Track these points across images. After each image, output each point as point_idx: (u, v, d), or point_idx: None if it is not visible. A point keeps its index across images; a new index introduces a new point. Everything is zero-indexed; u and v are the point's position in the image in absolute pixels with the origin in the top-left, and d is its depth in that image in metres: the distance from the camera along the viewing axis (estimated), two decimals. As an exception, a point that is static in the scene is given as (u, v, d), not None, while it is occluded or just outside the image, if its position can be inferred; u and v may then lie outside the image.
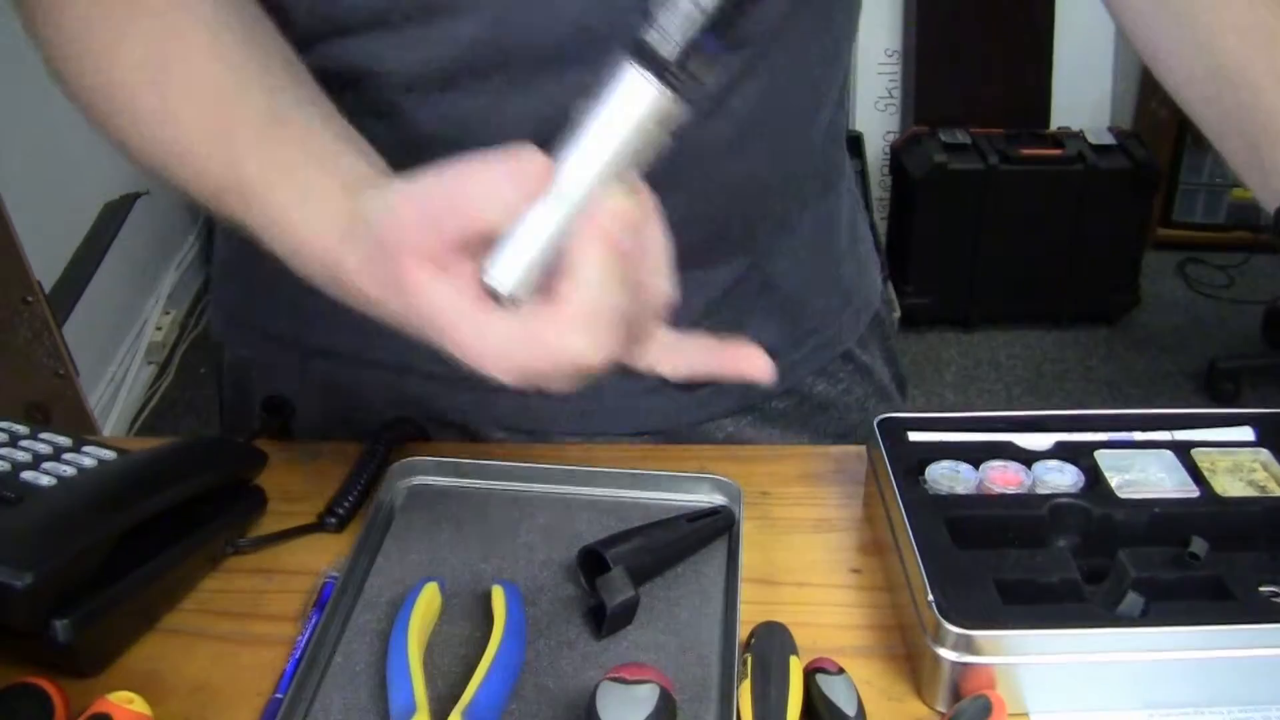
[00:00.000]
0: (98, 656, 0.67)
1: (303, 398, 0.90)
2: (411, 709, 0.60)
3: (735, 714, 0.61)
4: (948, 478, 0.75)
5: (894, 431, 0.78)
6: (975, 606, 0.64)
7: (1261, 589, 0.66)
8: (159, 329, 2.90)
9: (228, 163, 0.63)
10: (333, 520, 0.77)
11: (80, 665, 0.67)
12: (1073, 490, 0.74)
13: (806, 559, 0.75)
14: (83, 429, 1.16)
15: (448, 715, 0.60)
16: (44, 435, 0.75)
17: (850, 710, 0.61)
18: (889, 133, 3.31)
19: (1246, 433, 0.78)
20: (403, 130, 0.73)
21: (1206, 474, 0.74)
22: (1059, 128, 3.16)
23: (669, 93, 0.50)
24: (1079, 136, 3.06)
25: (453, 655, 0.67)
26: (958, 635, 0.62)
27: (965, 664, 0.63)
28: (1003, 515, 0.72)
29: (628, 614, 0.68)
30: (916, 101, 3.18)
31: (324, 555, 0.75)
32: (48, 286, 1.55)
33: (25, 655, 0.66)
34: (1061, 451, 0.77)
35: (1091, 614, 0.64)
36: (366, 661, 0.66)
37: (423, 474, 0.80)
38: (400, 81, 0.72)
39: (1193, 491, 0.73)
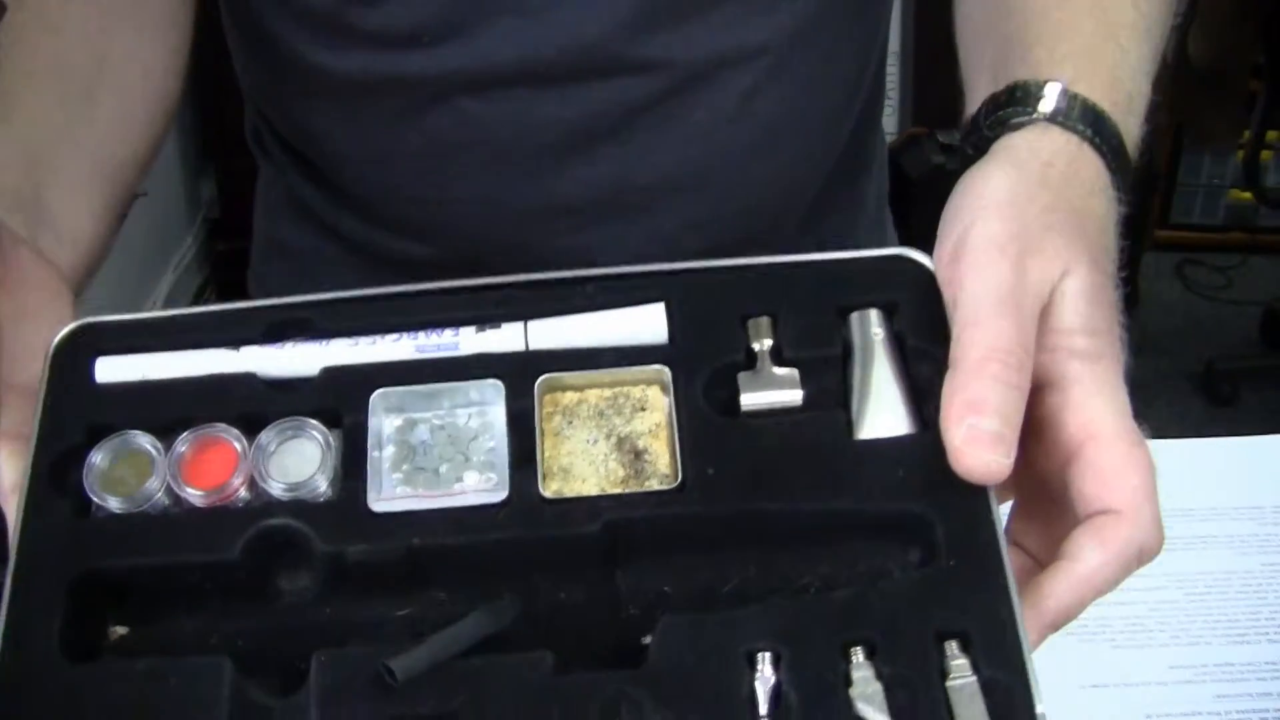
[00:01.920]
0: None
1: None
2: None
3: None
4: (114, 476, 0.49)
5: (74, 364, 0.51)
6: None
7: None
8: (157, 329, 2.90)
9: None
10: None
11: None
12: (306, 491, 0.48)
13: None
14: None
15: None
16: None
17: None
18: (886, 134, 3.30)
19: (654, 319, 0.51)
20: (429, 135, 0.74)
21: (550, 433, 0.49)
22: (1057, 129, 3.16)
23: None
24: (1077, 137, 3.06)
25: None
26: None
27: None
28: (170, 565, 0.47)
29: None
30: (914, 103, 3.18)
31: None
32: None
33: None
34: (328, 389, 0.50)
35: None
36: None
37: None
38: (429, 90, 0.72)
39: (498, 487, 0.47)
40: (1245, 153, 2.64)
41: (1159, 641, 0.71)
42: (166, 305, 3.00)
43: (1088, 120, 0.51)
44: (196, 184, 3.15)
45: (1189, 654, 0.70)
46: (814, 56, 0.75)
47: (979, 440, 0.44)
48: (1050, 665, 0.65)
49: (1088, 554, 0.45)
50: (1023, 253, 0.47)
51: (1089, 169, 0.51)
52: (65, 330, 0.52)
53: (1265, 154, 2.64)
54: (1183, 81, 2.49)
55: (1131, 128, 0.53)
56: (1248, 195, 2.86)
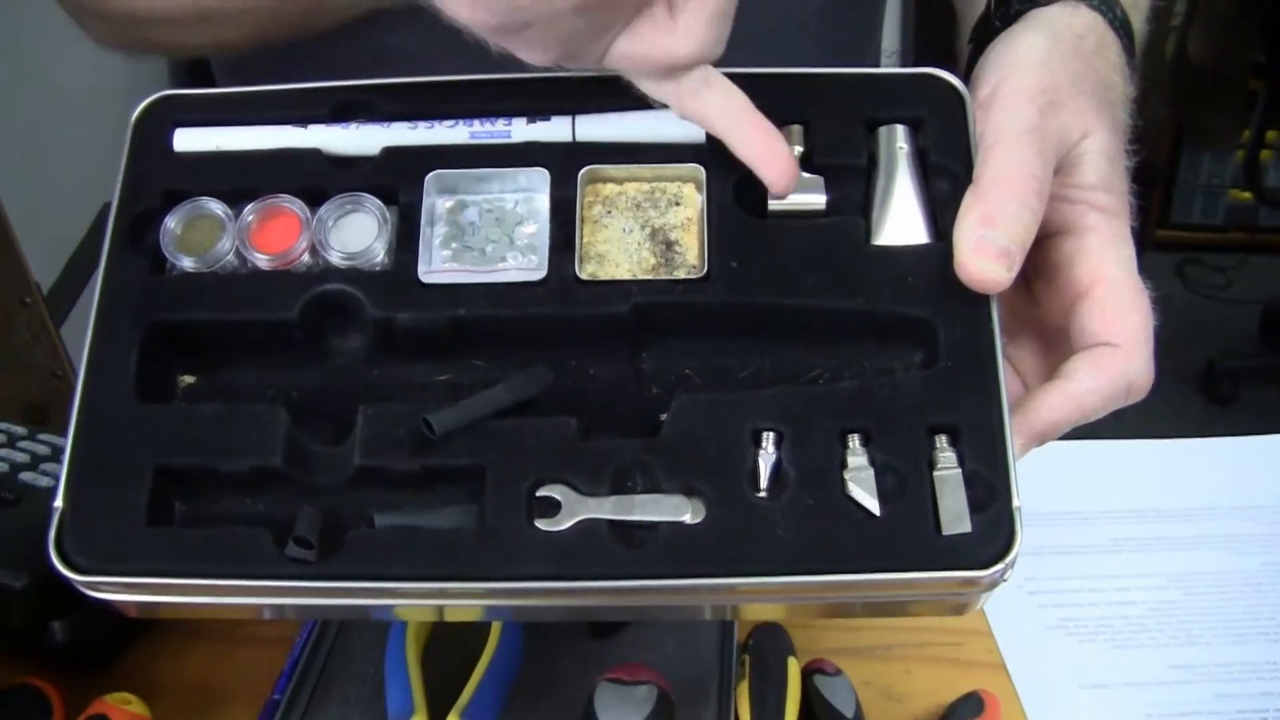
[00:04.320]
0: (95, 657, 0.67)
1: None
2: (409, 710, 0.60)
3: (733, 715, 0.61)
4: (188, 239, 0.53)
5: (155, 132, 0.54)
6: (105, 530, 0.48)
7: (539, 493, 0.47)
8: (157, 329, 2.89)
9: None
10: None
11: (78, 666, 0.67)
12: (363, 260, 0.51)
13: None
14: (81, 429, 1.15)
15: (445, 716, 0.59)
16: (42, 436, 0.75)
17: (849, 711, 0.61)
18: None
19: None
20: None
21: (590, 219, 0.52)
22: (1057, 128, 3.16)
23: None
24: (1077, 137, 3.05)
25: (450, 655, 0.66)
26: (72, 576, 0.47)
27: (104, 599, 0.49)
28: (232, 321, 0.51)
29: (624, 615, 0.68)
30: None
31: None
32: (46, 287, 1.55)
33: (23, 656, 0.66)
34: (387, 167, 0.53)
35: (250, 552, 0.47)
36: (364, 662, 0.66)
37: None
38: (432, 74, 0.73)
39: (537, 268, 0.51)
40: (1245, 152, 2.63)
41: (1159, 641, 0.70)
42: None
43: (1109, 5, 0.54)
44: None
45: (1189, 654, 0.70)
46: (811, 45, 0.76)
47: (987, 251, 0.47)
48: (1050, 665, 0.66)
49: (1082, 376, 0.48)
50: (1051, 104, 0.50)
51: (1113, 49, 0.54)
52: (146, 101, 0.55)
53: (1265, 153, 2.63)
54: (1183, 81, 2.49)
55: (1137, 21, 0.57)
56: (1248, 195, 2.85)
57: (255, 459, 0.49)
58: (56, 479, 0.69)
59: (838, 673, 0.63)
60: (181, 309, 0.52)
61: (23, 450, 0.73)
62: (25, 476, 0.71)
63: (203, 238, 0.53)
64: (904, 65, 3.50)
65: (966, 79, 0.54)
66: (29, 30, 2.28)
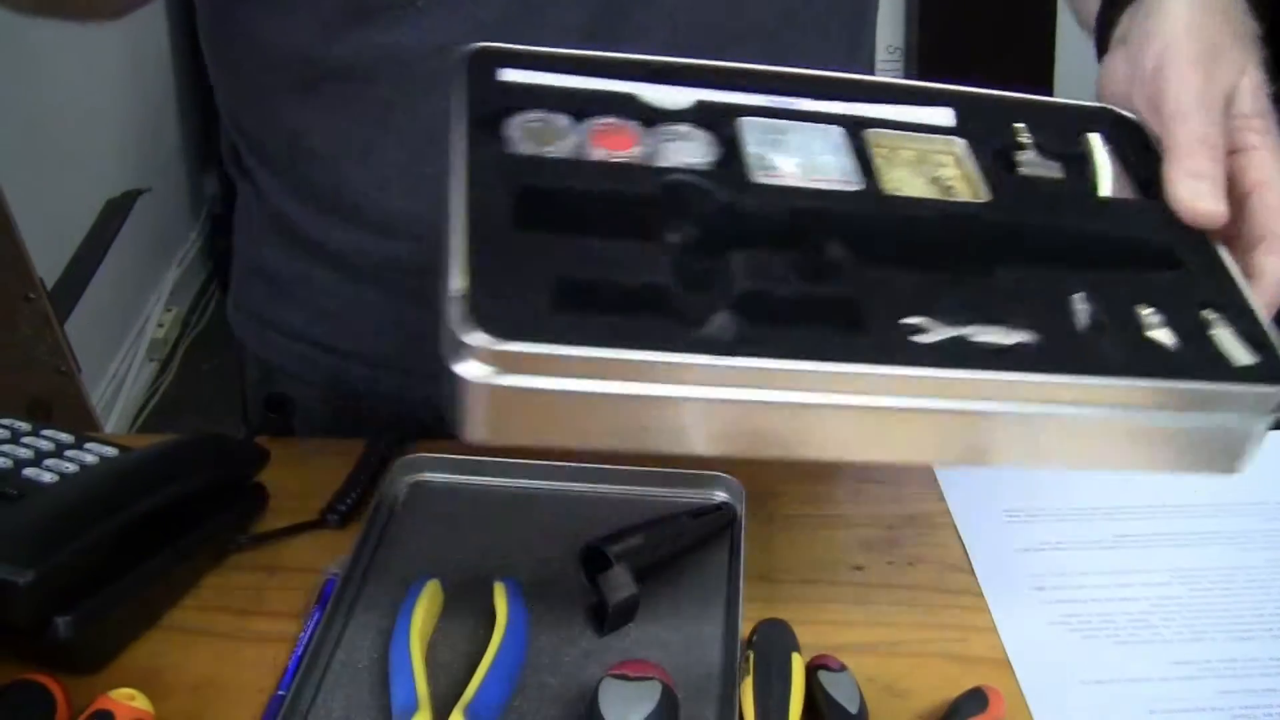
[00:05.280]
0: (99, 654, 0.67)
1: (320, 401, 0.91)
2: (413, 706, 0.60)
3: (737, 711, 0.61)
4: (535, 132, 0.59)
5: (483, 67, 0.62)
6: (515, 309, 0.50)
7: (904, 321, 0.54)
8: (161, 326, 2.87)
9: None
10: (334, 517, 0.77)
11: (82, 662, 0.66)
12: (699, 166, 0.59)
13: (809, 556, 0.75)
14: (84, 426, 1.15)
15: (450, 713, 0.59)
16: (46, 432, 0.75)
17: (853, 708, 0.61)
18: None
19: (945, 116, 0.66)
20: (422, 122, 0.74)
21: (880, 163, 0.62)
22: (1061, 125, 3.15)
23: None
24: (1081, 134, 3.05)
25: (455, 652, 0.67)
26: (479, 348, 0.48)
27: (493, 386, 0.49)
28: (599, 191, 0.57)
29: (629, 611, 0.68)
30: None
31: (326, 552, 0.74)
32: (50, 283, 1.55)
33: (26, 652, 0.66)
34: (700, 115, 0.62)
35: (664, 333, 0.51)
36: (369, 659, 0.66)
37: (425, 470, 0.80)
38: (424, 71, 0.72)
39: (854, 183, 0.60)
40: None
41: (1163, 637, 0.70)
42: (170, 302, 2.99)
43: None
44: (200, 180, 3.15)
45: (1193, 650, 0.69)
46: (812, 36, 0.77)
47: (1200, 195, 0.60)
48: (1054, 661, 0.66)
49: (1268, 267, 0.59)
50: (1211, 64, 0.63)
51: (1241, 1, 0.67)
52: (471, 48, 0.63)
53: (1268, 151, 2.63)
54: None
55: None
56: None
57: (648, 276, 0.53)
58: (61, 474, 0.69)
59: (842, 669, 0.63)
60: (547, 178, 0.57)
61: (26, 446, 0.73)
62: (29, 472, 0.71)
63: (547, 139, 0.59)
64: (906, 62, 3.48)
65: (1100, 39, 0.68)
66: (32, 29, 2.28)
